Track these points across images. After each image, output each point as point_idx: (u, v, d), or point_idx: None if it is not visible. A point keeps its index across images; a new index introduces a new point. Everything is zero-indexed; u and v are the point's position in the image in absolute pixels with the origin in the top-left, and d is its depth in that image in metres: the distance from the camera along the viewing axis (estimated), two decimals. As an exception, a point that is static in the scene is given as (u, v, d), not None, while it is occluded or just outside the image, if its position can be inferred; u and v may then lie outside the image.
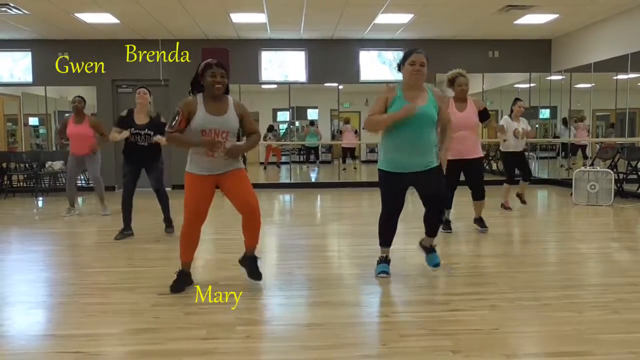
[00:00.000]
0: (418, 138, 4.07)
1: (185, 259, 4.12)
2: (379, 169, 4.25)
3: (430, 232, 4.38)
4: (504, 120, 7.72)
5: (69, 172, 8.02)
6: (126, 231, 6.13)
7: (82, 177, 10.57)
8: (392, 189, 4.20)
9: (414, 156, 4.09)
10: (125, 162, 6.09)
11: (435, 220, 4.30)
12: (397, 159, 4.11)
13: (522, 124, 7.74)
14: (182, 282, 4.07)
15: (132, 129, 6.00)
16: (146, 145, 6.03)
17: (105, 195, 8.09)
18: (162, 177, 6.21)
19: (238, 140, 4.08)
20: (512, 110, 7.76)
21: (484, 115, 5.93)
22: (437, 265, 4.39)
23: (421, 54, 4.08)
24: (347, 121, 14.12)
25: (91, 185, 10.38)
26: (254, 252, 4.20)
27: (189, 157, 3.98)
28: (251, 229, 4.08)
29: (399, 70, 4.23)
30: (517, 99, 7.90)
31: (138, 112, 6.05)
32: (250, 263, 4.20)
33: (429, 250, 4.45)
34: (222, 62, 3.95)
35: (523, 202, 8.20)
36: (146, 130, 6.01)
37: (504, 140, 7.69)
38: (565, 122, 12.01)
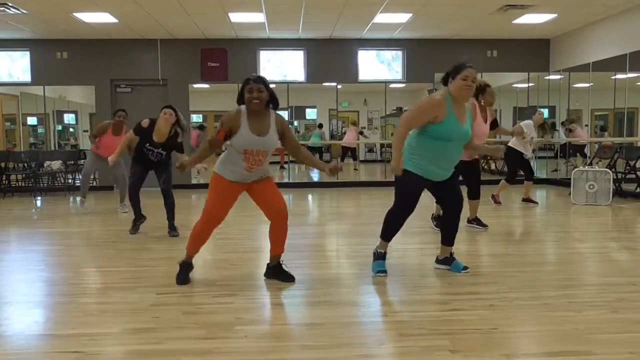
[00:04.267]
0: (454, 155, 4.18)
1: (192, 253, 4.17)
2: (406, 170, 4.19)
3: (448, 240, 4.43)
4: (526, 125, 7.84)
5: (86, 166, 8.24)
6: (138, 220, 6.28)
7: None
8: (413, 192, 4.20)
9: (445, 169, 4.20)
10: (134, 163, 6.13)
11: (456, 225, 4.39)
12: (430, 169, 4.14)
13: (534, 133, 7.95)
14: (187, 272, 4.14)
15: (147, 144, 5.96)
16: (155, 161, 6.07)
17: (105, 195, 8.09)
18: (170, 179, 6.19)
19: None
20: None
21: (494, 124, 6.24)
22: (465, 269, 4.39)
23: (474, 70, 4.02)
24: (354, 123, 14.16)
25: (96, 185, 10.44)
26: (279, 260, 4.19)
27: (223, 161, 3.96)
28: (279, 235, 4.09)
29: (445, 83, 4.13)
30: (537, 108, 8.05)
31: (158, 129, 5.94)
32: (278, 271, 4.20)
33: (449, 259, 4.47)
34: (262, 77, 3.91)
35: (534, 202, 8.30)
36: (160, 149, 6.00)
37: (523, 138, 7.73)
38: (564, 123, 11.97)
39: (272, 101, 3.91)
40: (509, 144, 7.98)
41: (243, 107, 3.85)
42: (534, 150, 12.68)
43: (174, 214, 6.19)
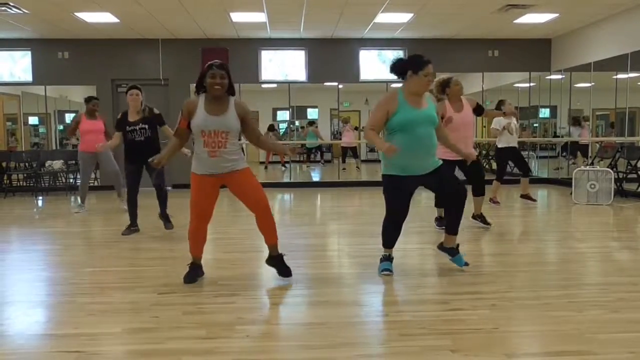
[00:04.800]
0: (422, 140, 4.13)
1: (195, 254, 4.21)
2: (383, 175, 4.25)
3: (452, 229, 4.41)
4: (496, 122, 7.82)
5: (82, 171, 8.18)
6: (133, 227, 6.27)
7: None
8: (399, 195, 4.21)
9: (420, 158, 4.15)
10: (126, 162, 6.15)
11: (458, 215, 4.35)
12: (404, 162, 4.12)
13: (513, 121, 7.91)
14: (195, 273, 4.19)
15: (127, 127, 6.07)
16: (143, 139, 6.06)
17: (105, 195, 8.10)
18: (163, 174, 6.22)
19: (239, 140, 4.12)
20: (502, 111, 7.80)
21: (479, 110, 6.09)
22: (465, 264, 4.39)
23: (432, 64, 4.11)
24: (346, 121, 14.13)
25: (97, 185, 10.45)
26: (277, 249, 4.23)
27: (193, 157, 4.05)
28: (266, 226, 4.14)
29: (400, 74, 4.17)
30: (501, 101, 8.02)
31: (131, 111, 6.13)
32: (277, 262, 4.24)
33: (454, 251, 4.46)
34: (224, 63, 3.97)
35: (533, 199, 8.26)
36: (140, 124, 6.06)
37: (504, 128, 7.77)
38: (576, 121, 11.88)
39: (230, 88, 3.98)
40: (498, 145, 7.96)
41: (202, 94, 3.96)
42: (534, 150, 12.74)
43: (166, 204, 6.35)
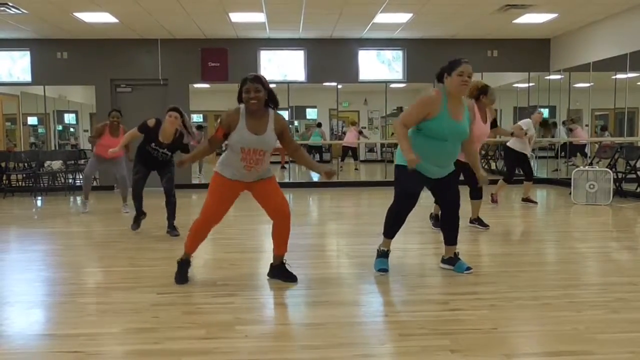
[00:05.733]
0: (450, 152, 4.16)
1: (191, 251, 4.17)
2: (397, 165, 4.22)
3: (450, 239, 4.43)
4: (526, 123, 7.87)
5: (88, 167, 8.20)
6: (139, 216, 6.34)
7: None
8: (412, 186, 4.19)
9: (439, 166, 4.18)
10: (136, 162, 6.15)
11: (455, 224, 4.38)
12: (424, 166, 4.11)
13: (533, 131, 7.99)
14: (186, 271, 4.15)
15: (153, 144, 5.96)
16: (160, 160, 6.07)
17: (106, 195, 8.09)
18: (173, 179, 6.19)
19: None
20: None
21: (493, 124, 6.22)
22: (468, 269, 4.38)
23: (470, 65, 4.02)
24: (353, 123, 14.16)
25: (97, 185, 10.44)
26: (281, 260, 4.20)
27: (222, 160, 3.97)
28: (283, 235, 4.10)
29: (440, 80, 4.13)
30: (538, 108, 8.08)
31: (164, 130, 5.92)
32: (281, 271, 4.19)
33: (454, 259, 4.46)
34: (260, 75, 3.87)
35: (534, 202, 8.30)
36: (165, 149, 6.00)
37: (526, 134, 7.74)
38: (564, 123, 11.97)
39: (271, 100, 3.89)
40: (508, 144, 7.98)
41: (242, 106, 3.85)
42: (533, 150, 12.74)
43: (175, 214, 6.19)
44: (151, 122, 5.96)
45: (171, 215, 6.17)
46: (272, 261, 4.24)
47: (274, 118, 3.90)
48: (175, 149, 6.04)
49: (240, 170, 3.90)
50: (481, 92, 5.88)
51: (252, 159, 3.85)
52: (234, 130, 3.80)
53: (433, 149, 4.08)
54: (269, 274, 4.25)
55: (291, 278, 4.16)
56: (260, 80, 3.81)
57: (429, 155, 4.08)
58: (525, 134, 7.73)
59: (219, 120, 3.91)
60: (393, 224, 4.36)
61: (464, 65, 3.99)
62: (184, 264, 4.17)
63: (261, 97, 3.78)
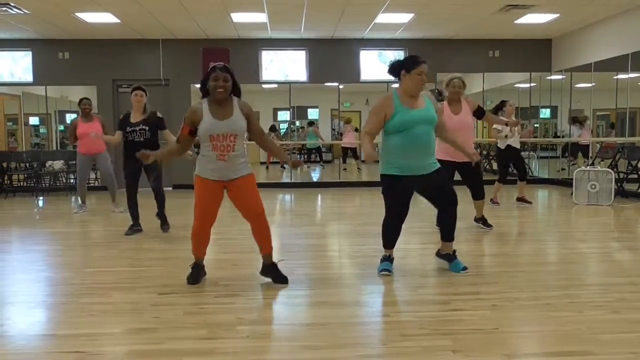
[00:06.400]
0: (420, 139, 4.13)
1: (198, 254, 4.20)
2: (382, 175, 4.25)
3: (447, 236, 4.43)
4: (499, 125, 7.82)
5: (79, 171, 8.22)
6: (135, 227, 6.30)
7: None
8: (397, 195, 4.22)
9: (418, 158, 4.15)
10: (125, 164, 6.17)
11: (452, 220, 4.36)
12: (402, 162, 4.13)
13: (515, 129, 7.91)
14: (198, 274, 4.18)
15: (128, 127, 6.10)
16: (142, 140, 6.05)
17: (105, 195, 8.10)
18: (160, 177, 6.29)
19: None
20: (501, 112, 7.84)
21: (479, 113, 6.04)
22: (464, 269, 4.38)
23: (426, 64, 4.13)
24: (347, 121, 14.12)
25: (97, 185, 10.46)
26: (271, 259, 4.20)
27: (197, 160, 4.01)
28: (260, 234, 4.11)
29: (395, 75, 4.20)
30: (503, 101, 8.04)
31: (134, 112, 6.17)
32: (272, 270, 4.19)
33: (451, 257, 4.46)
34: (227, 65, 3.93)
35: (528, 202, 8.27)
36: (140, 126, 6.09)
37: (505, 136, 7.74)
38: (575, 120, 11.85)
39: (236, 91, 3.96)
40: (500, 147, 7.97)
41: (204, 100, 3.92)
42: (534, 150, 12.73)
43: (164, 207, 6.37)
44: (122, 116, 6.32)
45: (161, 205, 6.35)
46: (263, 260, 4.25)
47: (238, 103, 3.98)
48: (152, 124, 6.14)
49: (215, 163, 3.89)
50: (446, 86, 5.87)
51: (222, 146, 3.86)
52: (200, 123, 3.86)
53: (406, 142, 4.10)
54: (260, 272, 4.24)
55: (281, 279, 4.14)
56: (228, 70, 3.90)
57: (406, 150, 4.11)
58: (518, 123, 7.74)
59: (183, 119, 3.95)
60: (390, 235, 4.39)
61: (424, 65, 4.11)
62: (195, 268, 4.20)
63: (228, 87, 3.88)
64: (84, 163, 8.04)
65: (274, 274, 4.17)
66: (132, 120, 6.13)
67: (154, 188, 6.26)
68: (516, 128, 7.78)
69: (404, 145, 4.10)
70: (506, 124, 7.48)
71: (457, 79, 5.83)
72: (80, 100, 7.96)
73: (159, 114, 6.23)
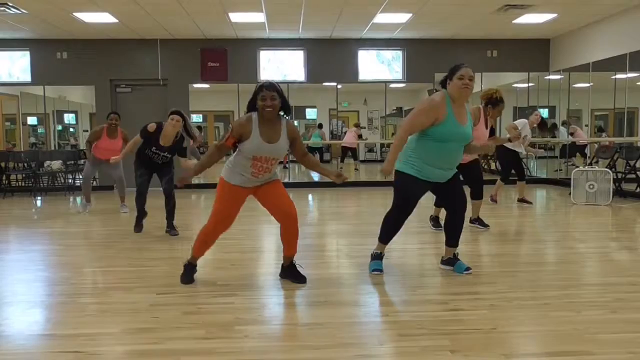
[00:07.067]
0: (454, 156, 4.15)
1: (198, 255, 4.18)
2: (398, 171, 4.20)
3: (452, 240, 4.42)
4: (521, 123, 7.86)
5: (86, 169, 8.22)
6: (141, 218, 6.37)
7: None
8: (412, 193, 4.20)
9: (445, 170, 4.18)
10: (138, 165, 6.18)
11: (460, 222, 4.37)
12: (426, 170, 4.12)
13: (528, 132, 7.95)
14: (192, 273, 4.18)
15: (154, 148, 5.97)
16: (160, 163, 6.10)
17: (105, 195, 8.09)
18: (173, 180, 6.19)
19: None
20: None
21: (491, 132, 6.22)
22: (467, 270, 4.38)
23: (470, 68, 4.04)
24: (356, 125, 14.16)
25: (96, 184, 10.45)
26: (291, 261, 4.21)
27: (229, 166, 3.95)
28: (292, 237, 4.09)
29: (444, 86, 4.13)
30: (537, 108, 8.09)
31: (165, 134, 5.92)
32: (292, 272, 4.20)
33: (453, 260, 4.47)
34: (275, 83, 3.81)
35: (529, 202, 8.29)
36: (166, 153, 6.03)
37: (523, 136, 7.72)
38: (564, 123, 11.97)
39: (284, 108, 3.86)
40: (504, 144, 7.96)
41: (254, 114, 3.82)
42: (531, 150, 12.73)
43: (174, 215, 6.22)
44: (151, 127, 5.93)
45: (170, 216, 6.20)
46: (282, 262, 4.26)
47: (286, 126, 3.89)
48: (175, 151, 6.06)
49: (247, 176, 3.89)
50: (493, 103, 5.92)
51: (262, 167, 3.85)
52: (247, 139, 3.78)
53: (438, 152, 4.07)
54: (280, 274, 4.26)
55: (300, 279, 4.15)
56: (275, 88, 3.77)
57: (434, 159, 4.08)
58: (520, 134, 7.70)
59: (229, 128, 3.86)
60: (391, 230, 4.37)
61: (464, 68, 4.02)
62: (190, 267, 4.19)
63: (277, 105, 3.76)
64: (94, 163, 8.06)
65: (293, 275, 4.18)
66: (161, 142, 5.93)
67: (165, 191, 6.15)
68: (528, 139, 7.89)
69: (434, 155, 4.07)
70: (509, 140, 7.47)
71: (504, 104, 6.04)
72: (109, 114, 7.93)
73: (184, 144, 6.03)
